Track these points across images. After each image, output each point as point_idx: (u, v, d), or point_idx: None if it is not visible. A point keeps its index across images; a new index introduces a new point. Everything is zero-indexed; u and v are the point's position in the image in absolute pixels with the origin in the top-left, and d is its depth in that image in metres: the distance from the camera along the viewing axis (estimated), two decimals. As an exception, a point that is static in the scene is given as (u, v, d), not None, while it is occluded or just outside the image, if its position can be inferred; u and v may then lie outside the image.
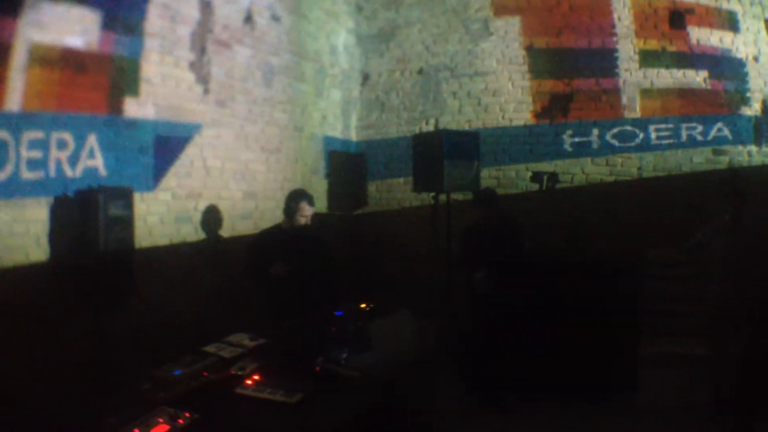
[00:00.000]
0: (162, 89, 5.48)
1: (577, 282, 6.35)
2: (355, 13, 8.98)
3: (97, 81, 4.85)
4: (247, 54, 6.59)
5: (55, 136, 4.57)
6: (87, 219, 4.42)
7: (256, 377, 3.50)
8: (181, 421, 2.84)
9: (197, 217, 5.96)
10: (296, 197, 5.56)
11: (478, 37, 8.49)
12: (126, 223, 4.66)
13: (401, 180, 8.78)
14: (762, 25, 7.89)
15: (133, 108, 5.18)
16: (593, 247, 7.11)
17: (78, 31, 4.70)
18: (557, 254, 6.87)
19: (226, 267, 5.98)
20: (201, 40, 5.91)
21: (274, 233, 5.64)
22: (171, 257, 5.57)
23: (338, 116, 8.54)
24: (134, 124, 5.20)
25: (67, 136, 4.66)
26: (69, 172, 4.67)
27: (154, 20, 5.37)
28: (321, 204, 7.87)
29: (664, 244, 7.00)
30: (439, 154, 6.55)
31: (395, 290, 6.59)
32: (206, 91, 6.01)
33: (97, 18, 4.82)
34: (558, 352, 6.21)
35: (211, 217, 6.10)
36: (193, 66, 5.82)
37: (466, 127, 8.30)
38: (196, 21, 5.87)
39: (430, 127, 8.56)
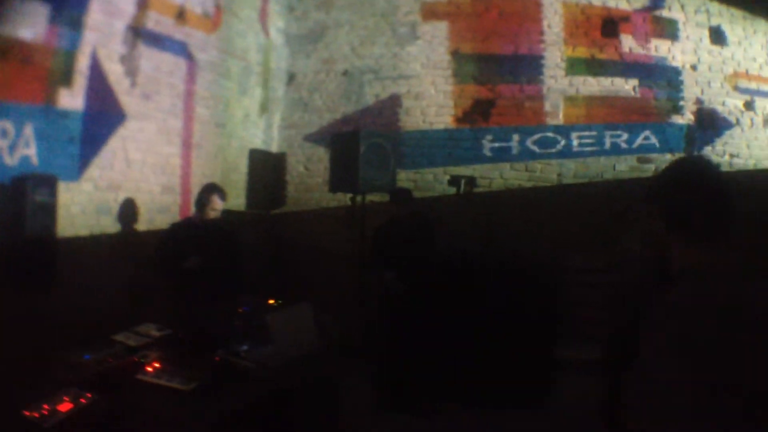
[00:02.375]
0: (93, 81, 5.50)
1: (493, 285, 6.41)
2: (286, 13, 9.07)
3: (39, 72, 4.93)
4: (175, 49, 6.63)
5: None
6: (16, 205, 4.45)
7: (156, 365, 3.63)
8: (83, 400, 3.06)
9: (116, 209, 5.97)
10: (208, 190, 5.67)
11: (405, 40, 8.65)
12: (50, 210, 4.74)
13: (319, 180, 8.84)
14: (706, 33, 8.13)
15: (66, 99, 5.24)
16: (511, 251, 7.16)
17: (28, 23, 4.76)
18: (473, 257, 6.88)
19: (142, 259, 6.01)
20: (134, 34, 5.95)
21: (185, 226, 5.72)
22: (90, 248, 5.57)
23: (261, 115, 8.63)
24: (66, 114, 5.25)
25: (8, 125, 4.71)
26: (7, 160, 4.73)
27: (94, 14, 5.44)
28: (240, 202, 7.95)
29: (585, 251, 7.18)
30: (356, 154, 6.66)
31: (310, 290, 6.57)
32: (133, 84, 6.03)
33: (45, 11, 4.87)
34: (472, 355, 6.18)
35: (130, 209, 6.11)
36: (124, 59, 5.86)
37: (387, 130, 8.35)
38: (132, 15, 5.91)
39: (350, 128, 8.62)
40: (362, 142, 6.73)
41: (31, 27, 4.78)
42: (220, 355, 3.89)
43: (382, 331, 6.37)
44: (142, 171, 6.27)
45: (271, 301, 5.04)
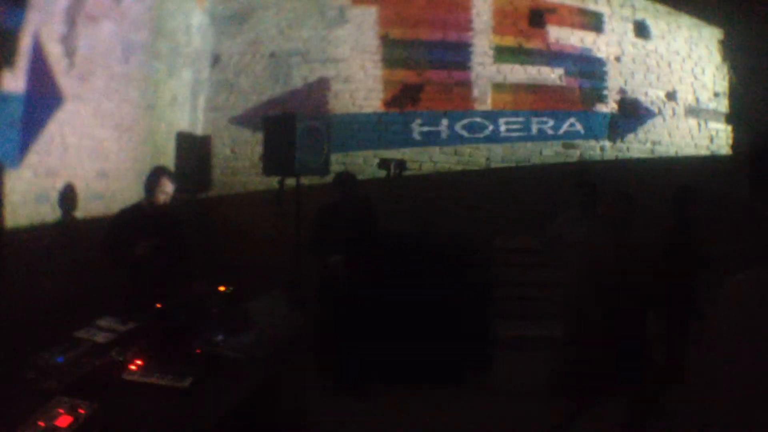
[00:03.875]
0: (34, 63, 5.18)
1: (429, 267, 6.56)
2: (213, -7, 8.80)
3: (-19, 52, 4.55)
4: (111, 28, 6.32)
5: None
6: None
7: (138, 362, 3.46)
8: (81, 410, 2.78)
9: (54, 196, 5.68)
10: (157, 173, 5.53)
11: (334, 24, 8.59)
12: (-5, 200, 4.44)
13: (246, 163, 8.73)
14: (630, 27, 8.56)
15: (8, 81, 4.88)
16: (444, 233, 7.33)
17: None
18: (408, 239, 6.99)
19: (83, 249, 5.79)
20: (74, 13, 5.64)
21: (134, 212, 5.53)
22: (31, 239, 5.28)
23: (187, 97, 8.35)
24: (8, 97, 4.90)
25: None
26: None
27: (39, -8, 5.09)
28: (167, 186, 7.70)
29: (514, 232, 7.47)
30: (291, 137, 6.62)
31: (239, 274, 6.53)
32: (71, 65, 5.72)
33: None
34: (413, 336, 6.35)
35: (67, 196, 5.81)
36: (64, 40, 5.54)
37: (314, 113, 8.29)
38: (73, -7, 5.60)
39: (278, 111, 8.49)
40: (298, 124, 6.68)
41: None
42: (200, 346, 3.79)
43: (323, 314, 6.39)
44: (78, 156, 5.97)
45: (222, 288, 4.97)
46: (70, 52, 5.66)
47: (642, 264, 5.57)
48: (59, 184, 5.70)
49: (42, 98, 5.33)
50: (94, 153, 6.23)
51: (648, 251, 5.72)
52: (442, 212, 7.78)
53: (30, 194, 5.31)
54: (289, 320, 4.48)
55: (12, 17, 4.83)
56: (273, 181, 7.26)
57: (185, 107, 8.31)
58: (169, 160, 7.80)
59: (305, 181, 7.22)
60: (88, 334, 3.92)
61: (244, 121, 8.79)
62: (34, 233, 5.33)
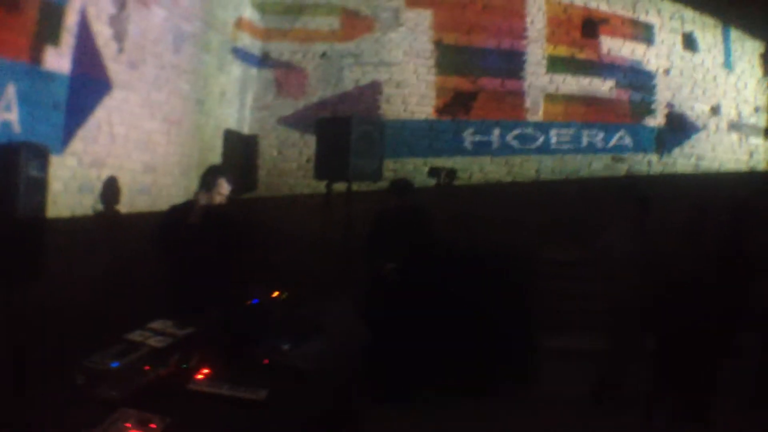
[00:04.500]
0: (80, 42, 4.88)
1: (477, 276, 6.36)
2: (262, -13, 8.54)
3: (26, 24, 4.24)
4: (162, 15, 6.07)
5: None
6: (6, 179, 3.82)
7: (205, 371, 3.09)
8: (153, 425, 2.40)
9: (99, 187, 5.37)
10: (214, 173, 5.16)
11: (388, 26, 8.36)
12: (41, 186, 4.15)
13: (293, 165, 8.49)
14: (679, 39, 8.41)
15: (52, 59, 4.59)
16: (492, 243, 7.07)
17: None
18: (456, 249, 6.78)
19: (125, 244, 5.48)
20: (124, -7, 5.36)
21: (188, 210, 5.16)
22: (72, 230, 4.97)
23: (236, 94, 8.08)
24: (51, 76, 4.61)
25: (-13, 83, 4.04)
26: (-17, 124, 4.05)
27: (86, -34, 4.80)
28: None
29: (561, 244, 7.27)
30: (347, 141, 6.38)
31: (284, 277, 6.29)
32: (120, 50, 5.45)
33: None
34: (459, 345, 6.14)
35: (112, 189, 5.52)
36: (113, 21, 5.27)
37: (365, 117, 7.95)
38: (123, -28, 5.31)
39: (327, 114, 8.22)
40: (354, 128, 6.44)
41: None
42: (266, 355, 3.41)
43: (376, 320, 6.10)
44: (125, 147, 5.70)
45: (276, 293, 4.63)
46: (119, 36, 5.39)
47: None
48: (104, 175, 5.40)
49: (89, 82, 5.05)
50: (142, 145, 5.96)
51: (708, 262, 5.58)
52: (490, 223, 7.56)
53: (73, 183, 5.04)
54: (357, 331, 4.15)
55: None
56: (319, 185, 7.01)
57: (234, 104, 8.04)
58: (215, 157, 7.52)
59: (353, 186, 6.92)
60: (142, 337, 3.55)
61: (292, 122, 8.54)
62: (76, 225, 5.01)
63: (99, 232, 5.33)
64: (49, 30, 4.50)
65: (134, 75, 5.70)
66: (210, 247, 4.90)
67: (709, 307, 5.24)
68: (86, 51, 4.96)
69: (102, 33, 5.15)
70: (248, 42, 8.26)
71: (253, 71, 8.49)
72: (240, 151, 8.22)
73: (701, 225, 5.62)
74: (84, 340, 3.48)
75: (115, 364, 3.01)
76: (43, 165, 4.11)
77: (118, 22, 5.32)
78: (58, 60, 4.66)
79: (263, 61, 8.56)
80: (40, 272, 4.10)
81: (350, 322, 4.25)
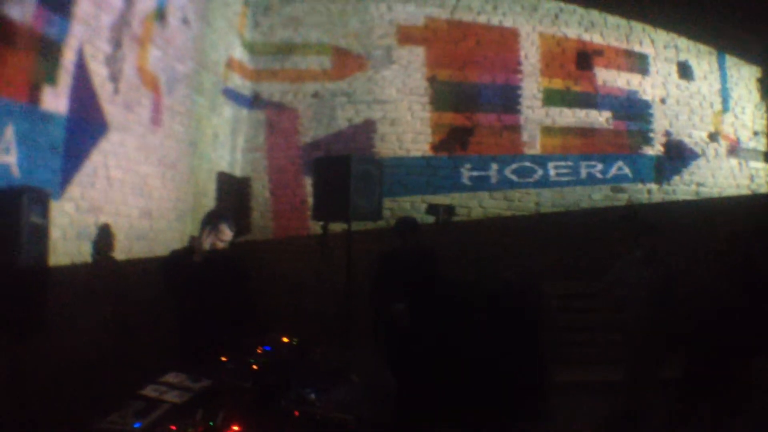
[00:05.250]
0: (78, 82, 4.67)
1: (484, 313, 6.06)
2: (252, 28, 8.41)
3: (24, 62, 4.02)
4: (156, 55, 5.88)
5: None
6: (4, 226, 3.58)
7: (235, 428, 2.91)
8: None
9: (95, 234, 5.12)
10: (216, 217, 4.93)
11: (380, 64, 8.31)
12: (43, 234, 3.90)
13: (287, 207, 8.30)
14: (674, 68, 8.47)
15: (50, 99, 4.35)
16: (495, 279, 6.93)
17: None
18: (460, 286, 6.52)
19: (124, 292, 5.24)
20: (119, 32, 5.17)
21: (188, 255, 4.91)
22: (71, 279, 4.70)
23: (228, 135, 7.89)
24: (50, 117, 4.37)
25: (-12, 124, 3.81)
26: (-15, 167, 3.82)
27: (83, 3, 4.60)
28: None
29: (565, 278, 7.24)
30: (346, 181, 6.22)
31: (281, 322, 6.18)
32: (116, 91, 5.24)
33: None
34: (469, 381, 5.80)
35: (109, 235, 5.28)
36: (109, 60, 5.06)
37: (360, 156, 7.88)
38: (119, 10, 5.14)
39: (320, 154, 8.08)
40: (353, 167, 6.28)
41: (20, 3, 3.92)
42: (294, 406, 3.18)
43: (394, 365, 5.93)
44: (122, 191, 5.46)
45: (286, 339, 4.42)
46: (115, 76, 5.19)
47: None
48: (101, 221, 5.15)
49: (86, 123, 4.83)
50: (137, 189, 5.73)
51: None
52: (491, 258, 7.53)
53: (72, 230, 4.77)
54: (383, 376, 3.96)
55: (56, 26, 4.32)
56: (314, 226, 6.92)
57: (226, 146, 7.84)
58: (209, 201, 7.32)
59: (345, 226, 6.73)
60: (158, 392, 3.32)
61: (285, 163, 8.33)
62: (75, 274, 4.75)
63: (99, 281, 5.07)
64: (47, 69, 4.28)
65: (130, 117, 5.49)
66: (215, 291, 4.68)
67: (738, 332, 5.17)
68: (83, 91, 4.75)
69: (98, 72, 4.94)
70: (239, 83, 8.11)
71: (244, 112, 8.33)
72: (233, 194, 8.02)
73: (733, 249, 5.68)
74: (94, 395, 3.26)
75: (137, 425, 2.81)
76: (44, 211, 3.88)
77: (113, 62, 5.13)
78: (56, 100, 4.43)
79: (254, 101, 8.42)
80: (44, 323, 3.85)
81: (374, 367, 4.05)
